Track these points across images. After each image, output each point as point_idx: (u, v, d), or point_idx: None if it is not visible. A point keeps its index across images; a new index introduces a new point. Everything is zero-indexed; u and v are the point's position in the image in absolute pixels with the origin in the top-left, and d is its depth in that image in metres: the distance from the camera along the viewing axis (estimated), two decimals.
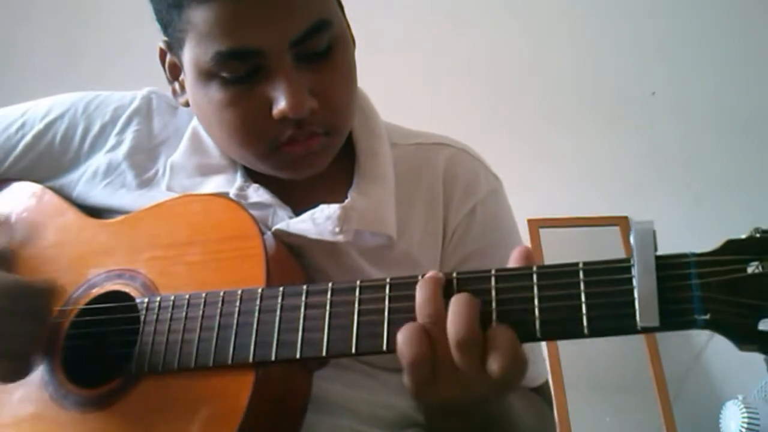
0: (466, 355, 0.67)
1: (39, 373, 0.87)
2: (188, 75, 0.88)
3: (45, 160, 1.01)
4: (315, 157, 0.89)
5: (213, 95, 0.86)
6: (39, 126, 1.02)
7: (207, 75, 0.85)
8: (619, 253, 2.36)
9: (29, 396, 0.86)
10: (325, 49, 0.84)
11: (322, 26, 0.83)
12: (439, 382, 0.70)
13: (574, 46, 2.56)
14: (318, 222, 0.87)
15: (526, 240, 2.29)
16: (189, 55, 0.85)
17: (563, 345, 2.09)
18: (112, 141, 1.01)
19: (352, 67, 0.90)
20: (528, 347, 0.96)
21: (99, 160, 1.00)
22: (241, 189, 0.93)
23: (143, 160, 0.99)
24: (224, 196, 0.90)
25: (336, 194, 0.91)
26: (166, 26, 0.87)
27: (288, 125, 0.85)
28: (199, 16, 0.81)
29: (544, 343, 1.05)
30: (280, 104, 0.82)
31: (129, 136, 1.00)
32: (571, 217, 2.42)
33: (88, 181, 1.00)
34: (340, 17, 0.88)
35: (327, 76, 0.85)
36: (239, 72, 0.83)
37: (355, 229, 0.88)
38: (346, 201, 0.89)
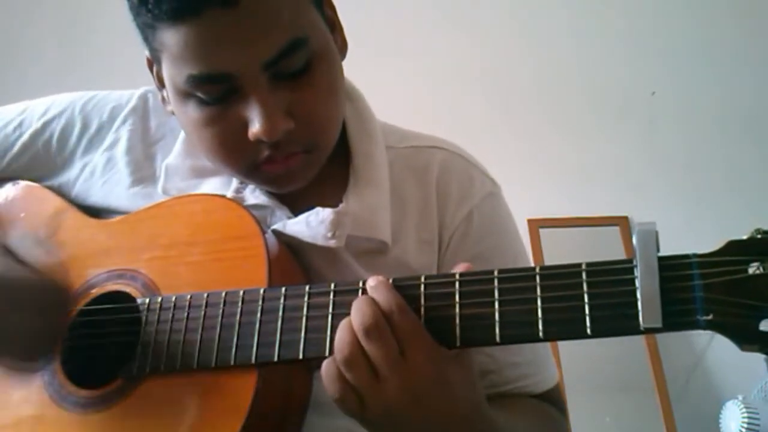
0: (375, 342, 0.70)
1: (39, 374, 0.86)
2: (168, 90, 0.87)
3: (42, 160, 1.01)
4: (296, 174, 0.88)
5: (191, 114, 0.85)
6: (36, 125, 1.01)
7: (184, 94, 0.84)
8: (620, 253, 2.36)
9: (29, 397, 0.86)
10: (302, 67, 0.82)
11: (296, 45, 0.80)
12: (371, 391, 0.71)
13: (575, 46, 2.56)
14: (312, 225, 0.87)
15: (526, 240, 2.29)
16: (166, 73, 0.85)
17: (564, 346, 2.08)
18: (109, 139, 1.00)
19: (335, 80, 0.87)
20: (532, 352, 0.96)
21: (96, 159, 1.00)
22: (238, 191, 0.92)
23: (139, 159, 0.99)
24: (224, 195, 0.90)
25: (334, 195, 0.91)
26: (145, 42, 0.86)
27: (264, 146, 0.83)
28: (170, 38, 0.79)
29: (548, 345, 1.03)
30: (254, 127, 0.81)
31: (125, 135, 1.00)
32: (571, 217, 2.42)
33: (86, 180, 1.00)
34: (320, 30, 0.85)
35: (306, 93, 0.83)
36: (214, 93, 0.82)
37: (348, 234, 0.87)
38: (340, 206, 0.88)
